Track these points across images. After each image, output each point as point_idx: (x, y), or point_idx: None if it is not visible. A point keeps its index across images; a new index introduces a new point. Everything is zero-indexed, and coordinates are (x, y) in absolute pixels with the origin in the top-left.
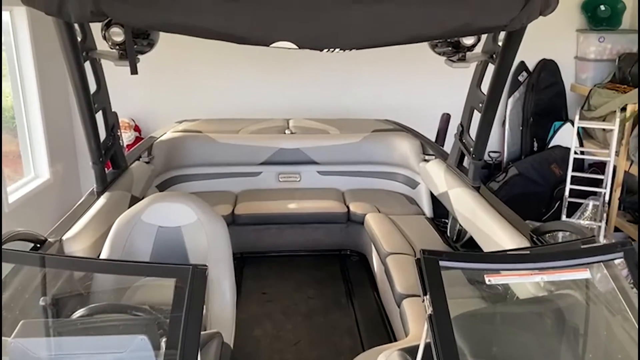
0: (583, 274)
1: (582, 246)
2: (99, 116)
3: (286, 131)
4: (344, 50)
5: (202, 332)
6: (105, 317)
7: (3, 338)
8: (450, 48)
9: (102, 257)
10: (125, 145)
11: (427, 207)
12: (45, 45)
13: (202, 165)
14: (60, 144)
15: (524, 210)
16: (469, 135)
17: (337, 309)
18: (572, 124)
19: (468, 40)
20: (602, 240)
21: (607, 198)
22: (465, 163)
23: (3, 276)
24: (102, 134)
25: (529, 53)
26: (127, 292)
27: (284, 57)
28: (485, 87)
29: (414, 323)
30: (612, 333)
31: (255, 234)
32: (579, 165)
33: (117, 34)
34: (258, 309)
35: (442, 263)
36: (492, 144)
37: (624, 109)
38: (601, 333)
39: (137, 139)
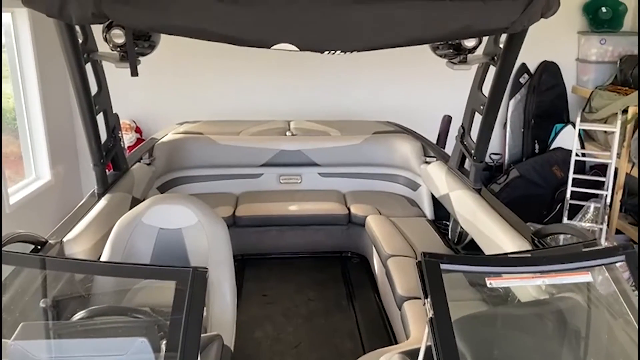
0: (585, 278)
1: (584, 249)
2: (100, 118)
3: (287, 133)
4: (345, 53)
5: (202, 335)
6: (106, 319)
7: (3, 340)
8: (451, 50)
9: (102, 259)
10: (126, 147)
11: (428, 209)
12: (46, 46)
13: (203, 167)
14: (62, 146)
15: (525, 213)
16: (470, 137)
17: (338, 311)
18: (574, 126)
19: (469, 43)
20: (603, 243)
21: (608, 200)
22: (467, 165)
23: (3, 278)
24: (103, 136)
25: (530, 55)
26: (127, 294)
27: (285, 59)
28: (486, 89)
29: (415, 325)
30: (613, 336)
31: (256, 235)
32: (580, 167)
33: (118, 36)
34: (258, 311)
35: (443, 266)
36: (493, 146)
37: (625, 111)
38: (602, 336)
39: (138, 141)
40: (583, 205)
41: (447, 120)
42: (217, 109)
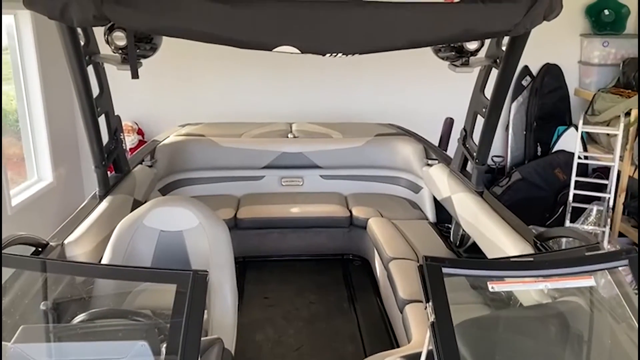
0: (588, 282)
1: (587, 253)
2: (102, 120)
3: (289, 135)
4: (347, 55)
5: (202, 338)
6: (106, 322)
7: (3, 343)
8: (453, 53)
9: (103, 261)
10: (128, 149)
11: (430, 212)
12: (49, 48)
13: (204, 169)
14: (64, 147)
15: (527, 215)
16: (472, 139)
17: (339, 314)
18: (576, 128)
19: (471, 45)
20: (606, 246)
21: (611, 203)
22: (469, 168)
23: (3, 281)
24: (105, 138)
25: (532, 57)
26: (128, 297)
27: (287, 62)
28: (488, 91)
29: (417, 329)
30: (616, 340)
31: (257, 238)
32: (582, 170)
33: (120, 38)
34: (260, 313)
35: (444, 270)
36: (496, 148)
37: (628, 114)
38: (605, 340)
39: (140, 143)
40: (586, 208)
41: (449, 123)
42: (219, 111)
